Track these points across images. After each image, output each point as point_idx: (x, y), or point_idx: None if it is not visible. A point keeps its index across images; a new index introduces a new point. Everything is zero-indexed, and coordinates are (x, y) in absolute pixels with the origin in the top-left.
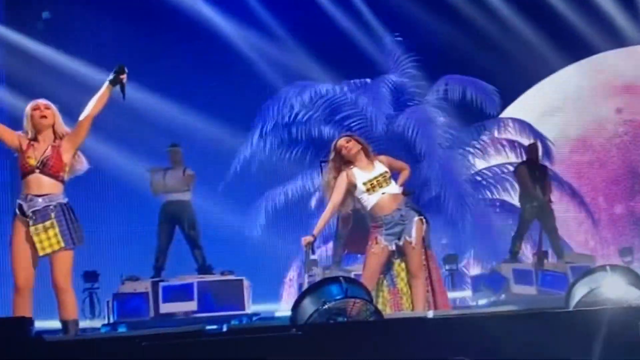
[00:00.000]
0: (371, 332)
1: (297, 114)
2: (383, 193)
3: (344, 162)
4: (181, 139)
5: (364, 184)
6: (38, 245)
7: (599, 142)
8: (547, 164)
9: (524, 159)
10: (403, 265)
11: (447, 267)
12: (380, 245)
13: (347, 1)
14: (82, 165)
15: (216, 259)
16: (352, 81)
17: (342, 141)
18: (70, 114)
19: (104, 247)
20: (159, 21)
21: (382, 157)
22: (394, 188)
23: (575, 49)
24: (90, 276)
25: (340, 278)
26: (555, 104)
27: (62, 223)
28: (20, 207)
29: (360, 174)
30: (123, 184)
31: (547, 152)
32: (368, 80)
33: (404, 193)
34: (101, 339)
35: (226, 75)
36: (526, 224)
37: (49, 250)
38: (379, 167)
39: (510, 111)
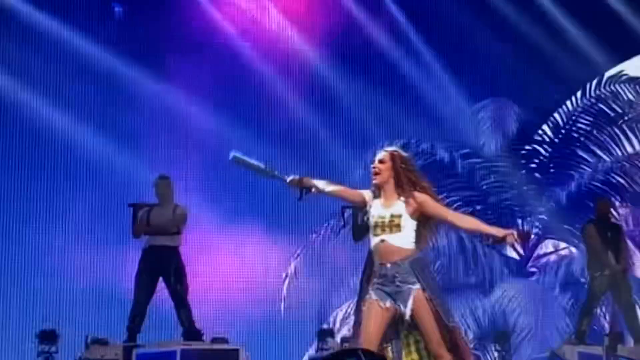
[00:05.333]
0: None
1: None
2: (382, 240)
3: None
4: None
5: (373, 219)
6: None
7: None
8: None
9: (593, 217)
10: (412, 339)
11: (496, 346)
12: (370, 298)
13: None
14: None
15: (207, 323)
16: None
17: (377, 158)
18: None
19: (68, 301)
20: None
21: (420, 197)
22: (399, 239)
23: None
24: (48, 337)
25: (359, 351)
26: None
27: None
28: None
29: (377, 206)
30: (98, 223)
31: None
32: None
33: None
34: None
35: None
36: (596, 297)
37: None
38: (396, 208)
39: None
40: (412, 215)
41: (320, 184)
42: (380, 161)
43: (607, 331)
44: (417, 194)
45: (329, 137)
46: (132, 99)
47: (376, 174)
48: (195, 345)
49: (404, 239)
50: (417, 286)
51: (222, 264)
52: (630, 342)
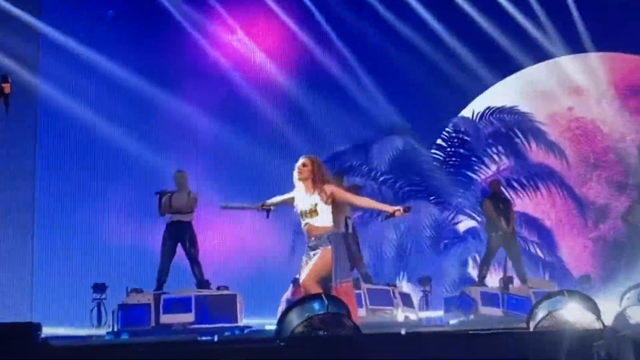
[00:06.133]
0: (349, 345)
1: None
2: (306, 224)
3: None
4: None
5: (299, 209)
6: None
7: (554, 135)
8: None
9: (488, 194)
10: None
11: (421, 288)
12: (302, 261)
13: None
14: None
15: (213, 276)
16: None
17: (299, 162)
18: None
19: (114, 261)
20: None
21: (329, 188)
22: (318, 221)
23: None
24: (99, 288)
25: (322, 295)
26: (514, 103)
27: None
28: None
29: (300, 200)
30: (134, 204)
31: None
32: None
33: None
34: (104, 345)
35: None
36: (492, 251)
37: None
38: (313, 199)
39: (471, 110)
40: (326, 202)
41: (274, 200)
42: (303, 164)
43: (501, 276)
44: (327, 187)
45: (298, 139)
46: (159, 113)
47: (300, 173)
48: (205, 291)
49: (321, 220)
50: (329, 246)
51: (225, 233)
52: (518, 283)
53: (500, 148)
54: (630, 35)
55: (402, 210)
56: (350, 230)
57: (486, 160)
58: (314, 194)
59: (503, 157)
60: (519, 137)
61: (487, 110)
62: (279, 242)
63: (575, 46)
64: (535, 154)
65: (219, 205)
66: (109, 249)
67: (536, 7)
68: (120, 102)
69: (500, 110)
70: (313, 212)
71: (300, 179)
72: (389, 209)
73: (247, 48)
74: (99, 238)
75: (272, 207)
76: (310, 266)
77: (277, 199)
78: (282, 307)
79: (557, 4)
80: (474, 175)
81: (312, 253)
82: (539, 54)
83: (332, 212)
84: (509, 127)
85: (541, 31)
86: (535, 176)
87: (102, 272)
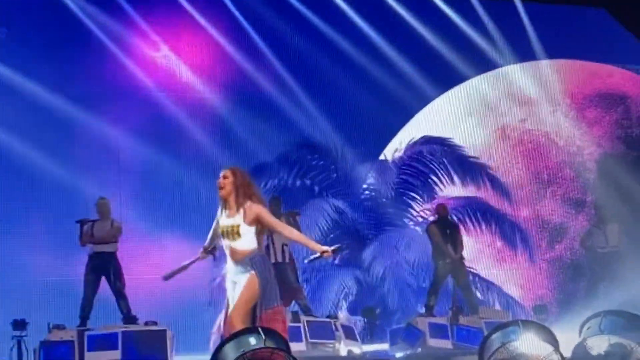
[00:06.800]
0: None
1: None
2: (227, 246)
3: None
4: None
5: (220, 228)
6: None
7: (504, 149)
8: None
9: (434, 218)
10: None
11: (365, 319)
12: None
13: None
14: None
15: (141, 310)
16: None
17: (221, 174)
18: None
19: (34, 296)
20: None
21: (256, 209)
22: (241, 244)
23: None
24: (19, 324)
25: (259, 328)
26: (459, 117)
27: None
28: None
29: (222, 219)
30: (54, 234)
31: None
32: None
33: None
34: None
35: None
36: (440, 280)
37: None
38: (236, 219)
39: (416, 123)
40: (250, 224)
41: (209, 238)
42: (224, 177)
43: (450, 305)
44: (254, 206)
45: (229, 159)
46: (79, 135)
47: (221, 188)
48: (132, 327)
49: (244, 243)
50: (253, 271)
51: (152, 264)
52: (468, 313)
53: (436, 179)
54: (585, 41)
55: (330, 252)
56: (287, 260)
57: (422, 191)
58: (238, 212)
59: (439, 188)
60: (454, 170)
61: (421, 139)
62: (210, 273)
63: (525, 54)
64: (468, 187)
65: (162, 277)
66: (27, 282)
67: (481, 12)
68: (38, 123)
69: (435, 140)
70: (235, 234)
71: (223, 196)
72: (318, 248)
73: (172, 64)
74: (17, 271)
75: (214, 247)
76: (236, 299)
77: (210, 234)
78: (214, 338)
79: (505, 9)
80: (413, 203)
81: (234, 280)
82: (486, 64)
83: (257, 234)
84: (446, 159)
85: (487, 39)
86: (477, 210)
87: (21, 308)
